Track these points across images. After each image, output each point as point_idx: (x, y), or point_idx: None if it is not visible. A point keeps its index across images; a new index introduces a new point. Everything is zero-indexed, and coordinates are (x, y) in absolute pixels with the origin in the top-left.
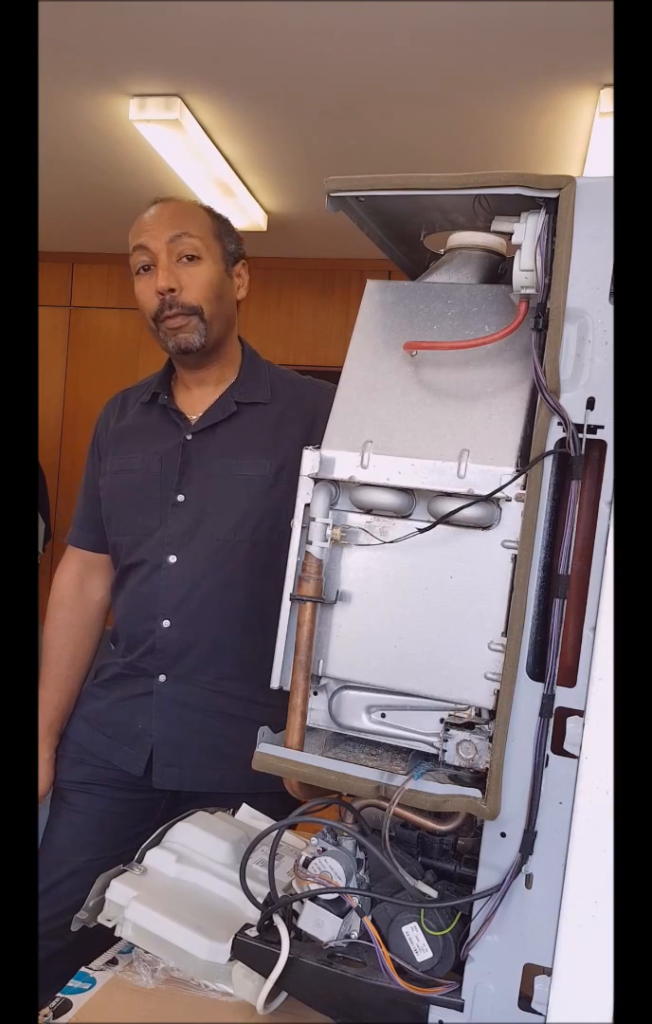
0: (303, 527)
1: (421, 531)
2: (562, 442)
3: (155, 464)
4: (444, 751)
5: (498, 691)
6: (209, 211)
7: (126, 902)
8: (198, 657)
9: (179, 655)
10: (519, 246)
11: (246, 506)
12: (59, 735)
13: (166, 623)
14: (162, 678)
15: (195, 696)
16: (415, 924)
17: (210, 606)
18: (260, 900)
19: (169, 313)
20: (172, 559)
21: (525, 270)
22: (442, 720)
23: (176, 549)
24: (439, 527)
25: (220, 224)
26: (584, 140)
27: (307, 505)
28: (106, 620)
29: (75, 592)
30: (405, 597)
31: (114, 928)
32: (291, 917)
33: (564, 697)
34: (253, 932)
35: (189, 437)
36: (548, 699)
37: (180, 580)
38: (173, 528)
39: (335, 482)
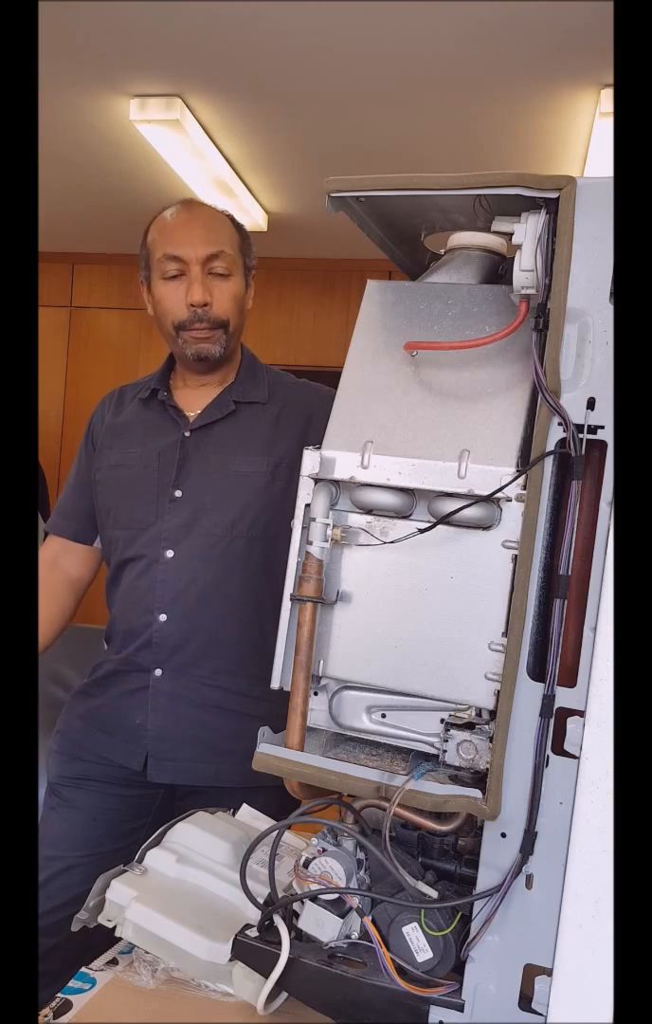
0: (303, 527)
1: (421, 531)
2: (562, 442)
3: (153, 460)
4: (444, 751)
5: (498, 691)
6: (232, 220)
7: (126, 902)
8: (194, 651)
9: (175, 649)
10: (519, 246)
11: (243, 502)
12: None
13: (162, 617)
14: (158, 672)
15: (191, 690)
16: (415, 924)
17: (206, 601)
18: (260, 900)
19: (198, 325)
20: (169, 554)
21: (525, 270)
22: (442, 720)
23: (173, 544)
24: (439, 527)
25: (242, 238)
26: (584, 140)
27: (307, 505)
28: (80, 601)
29: (48, 568)
30: (405, 597)
31: (114, 928)
32: (291, 917)
33: (564, 697)
34: (253, 932)
35: (187, 434)
36: (548, 699)
37: (177, 575)
38: (170, 523)
39: (335, 482)
